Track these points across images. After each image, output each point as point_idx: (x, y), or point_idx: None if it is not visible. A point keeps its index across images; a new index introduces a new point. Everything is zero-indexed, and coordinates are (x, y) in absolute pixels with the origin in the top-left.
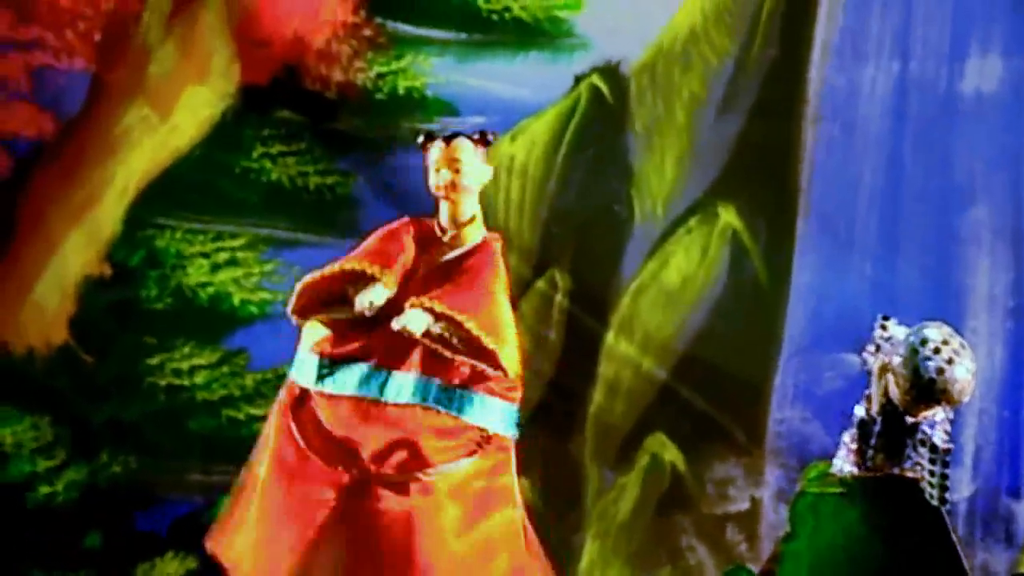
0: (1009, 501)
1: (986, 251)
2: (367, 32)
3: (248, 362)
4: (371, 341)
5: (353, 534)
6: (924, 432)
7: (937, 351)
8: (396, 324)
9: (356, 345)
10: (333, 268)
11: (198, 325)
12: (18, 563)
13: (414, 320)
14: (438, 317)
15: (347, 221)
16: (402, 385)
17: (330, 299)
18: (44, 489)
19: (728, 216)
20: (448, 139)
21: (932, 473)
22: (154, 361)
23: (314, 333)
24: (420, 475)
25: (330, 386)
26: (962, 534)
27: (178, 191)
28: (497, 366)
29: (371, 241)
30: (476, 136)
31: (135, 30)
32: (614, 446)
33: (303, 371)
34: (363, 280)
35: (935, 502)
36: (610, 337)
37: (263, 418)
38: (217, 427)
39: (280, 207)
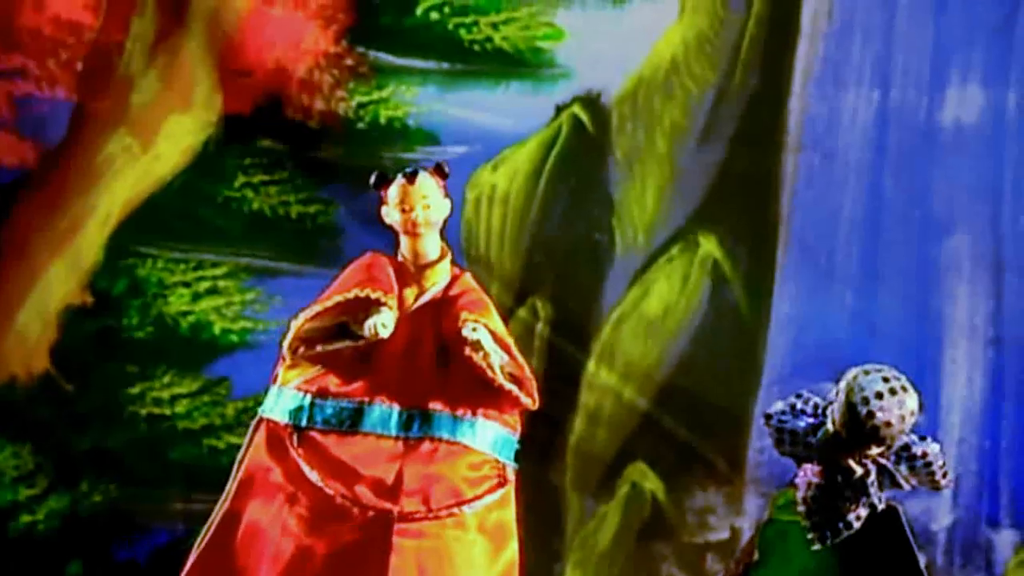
0: (988, 530)
1: (966, 280)
2: (349, 62)
3: (229, 391)
4: (377, 378)
5: (386, 571)
6: (885, 465)
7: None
8: (472, 335)
9: (361, 383)
10: (331, 300)
11: (179, 354)
12: None
13: (485, 336)
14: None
15: (329, 250)
16: (423, 421)
17: (325, 336)
18: (25, 518)
19: (709, 245)
20: (411, 176)
21: (931, 473)
22: (135, 390)
23: (301, 372)
24: (457, 510)
25: (341, 425)
26: (941, 563)
27: (160, 220)
28: (529, 394)
29: (355, 273)
30: (434, 169)
31: (118, 59)
32: (595, 475)
33: (287, 409)
34: (361, 310)
35: (945, 480)
36: (591, 366)
37: None
38: (198, 456)
39: (262, 236)
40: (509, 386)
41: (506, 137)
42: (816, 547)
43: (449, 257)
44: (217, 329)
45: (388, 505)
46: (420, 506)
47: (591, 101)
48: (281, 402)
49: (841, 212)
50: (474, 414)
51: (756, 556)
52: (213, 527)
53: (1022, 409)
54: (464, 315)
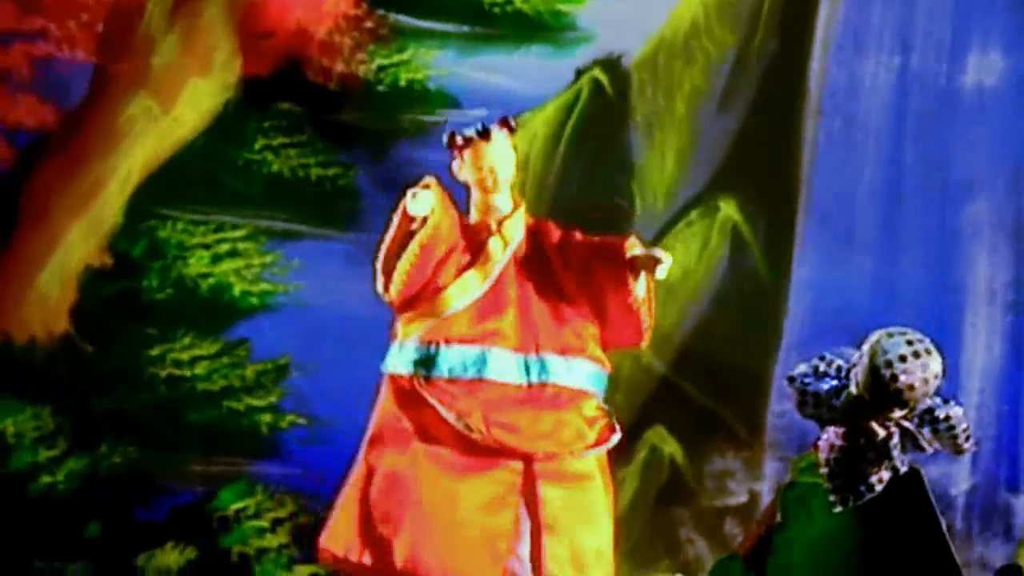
0: (1007, 495)
1: (986, 246)
2: (369, 24)
3: (249, 353)
4: (494, 325)
5: (523, 513)
6: (908, 428)
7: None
8: (662, 254)
9: (481, 330)
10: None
11: (199, 316)
12: (19, 553)
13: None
14: None
15: (348, 213)
16: (541, 367)
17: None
18: (45, 479)
19: (728, 209)
20: (485, 134)
21: (954, 436)
22: (155, 352)
23: (420, 324)
24: (587, 452)
25: (466, 372)
26: (960, 528)
27: (180, 182)
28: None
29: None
30: (500, 123)
31: (138, 21)
32: None
33: (412, 360)
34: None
35: (969, 444)
36: None
37: (263, 409)
38: (217, 418)
39: (281, 198)
40: (644, 313)
41: (526, 100)
42: (838, 509)
43: (523, 207)
44: (237, 291)
45: (525, 448)
46: (555, 448)
47: (611, 65)
48: (404, 355)
49: (861, 177)
50: (580, 353)
51: (778, 518)
52: (349, 484)
53: None
54: (628, 243)
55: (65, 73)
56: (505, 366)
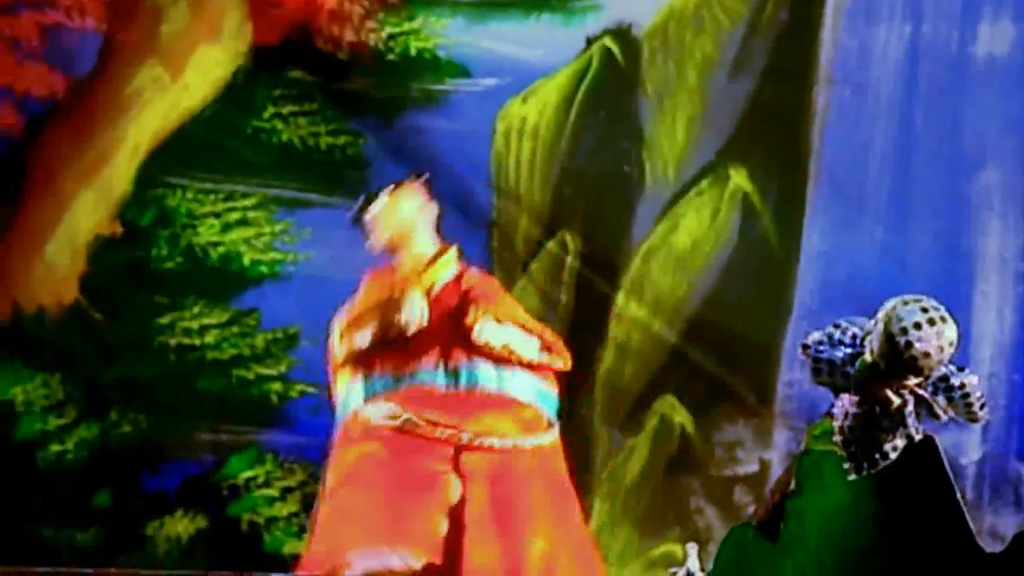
0: (1018, 465)
1: (997, 215)
2: None
3: (258, 322)
4: (417, 352)
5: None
6: (923, 395)
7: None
8: (479, 338)
9: (404, 361)
10: (361, 309)
11: (209, 285)
12: (28, 521)
13: (492, 332)
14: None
15: (357, 181)
16: (469, 372)
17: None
18: (54, 447)
19: (739, 179)
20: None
21: (969, 404)
22: (164, 320)
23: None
24: (518, 441)
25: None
26: (971, 498)
27: (189, 151)
28: (559, 355)
29: (369, 287)
30: (395, 185)
31: None
32: (623, 408)
33: (349, 401)
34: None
35: (984, 412)
36: (620, 299)
37: (273, 378)
38: (227, 387)
39: (291, 167)
40: (537, 360)
41: (536, 69)
42: (852, 477)
43: (451, 251)
44: (247, 260)
45: (453, 425)
46: (482, 438)
47: (622, 33)
48: (346, 402)
49: (872, 146)
50: (515, 367)
51: (793, 486)
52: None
53: None
54: (467, 320)
55: (74, 41)
56: (429, 374)
